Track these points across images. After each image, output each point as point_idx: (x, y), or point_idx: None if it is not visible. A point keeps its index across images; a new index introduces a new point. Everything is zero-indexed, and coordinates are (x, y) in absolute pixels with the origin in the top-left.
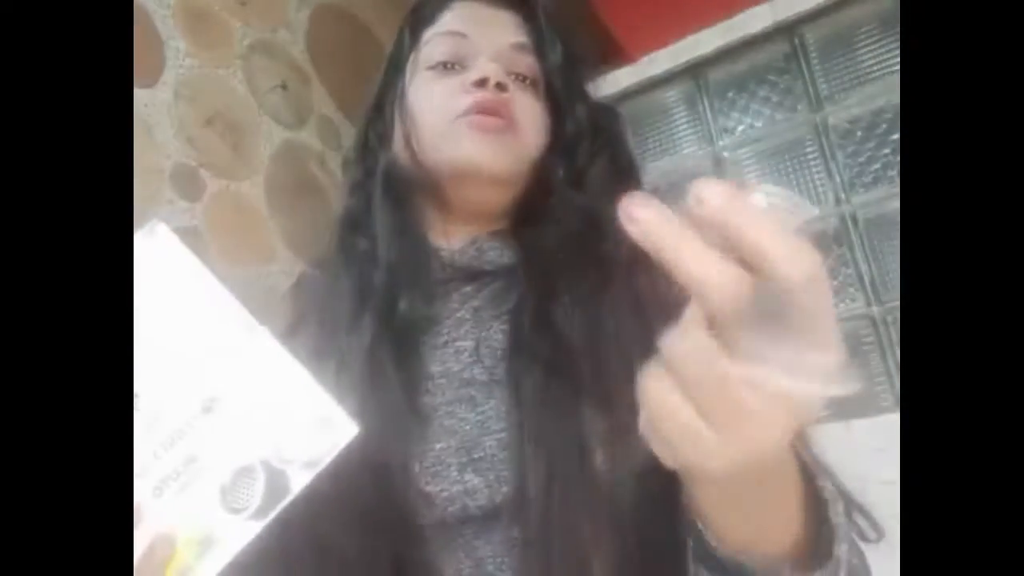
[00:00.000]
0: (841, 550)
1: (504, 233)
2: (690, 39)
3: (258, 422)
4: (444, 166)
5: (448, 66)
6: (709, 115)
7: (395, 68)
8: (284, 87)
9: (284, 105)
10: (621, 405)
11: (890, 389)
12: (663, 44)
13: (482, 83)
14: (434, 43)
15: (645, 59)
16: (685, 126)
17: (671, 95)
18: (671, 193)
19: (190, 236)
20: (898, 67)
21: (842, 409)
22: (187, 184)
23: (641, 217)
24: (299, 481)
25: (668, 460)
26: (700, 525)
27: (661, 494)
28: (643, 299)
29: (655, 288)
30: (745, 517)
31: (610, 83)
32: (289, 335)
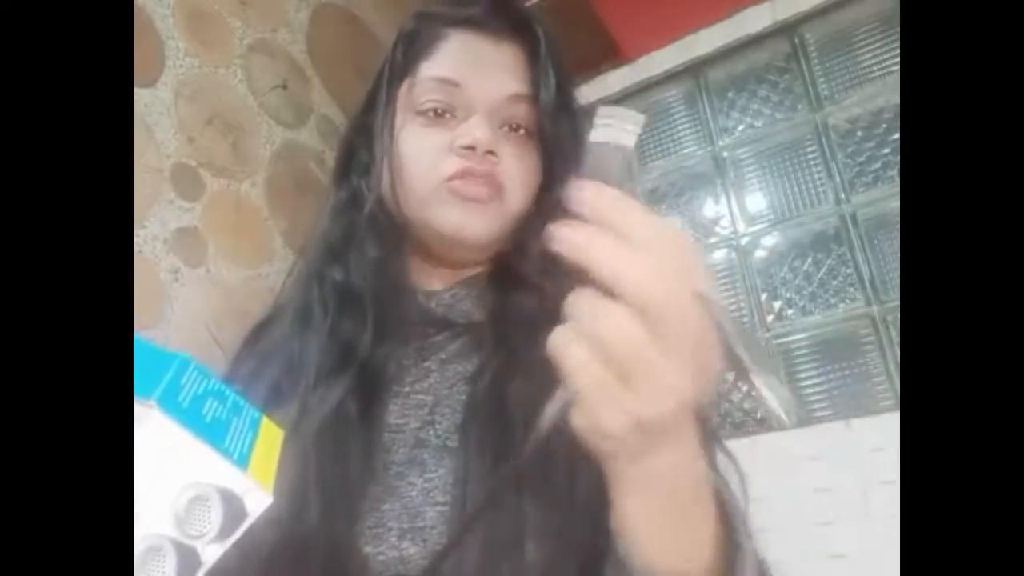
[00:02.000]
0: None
1: (482, 281)
2: (690, 39)
3: (160, 499)
4: (426, 227)
5: (439, 113)
6: (709, 115)
7: (386, 93)
8: (284, 87)
9: (284, 105)
10: (559, 501)
11: (890, 389)
12: (663, 44)
13: (470, 148)
14: (427, 87)
15: (645, 58)
16: (685, 126)
17: (671, 95)
18: (671, 192)
19: (190, 236)
20: (898, 67)
21: (842, 409)
22: (187, 184)
23: (561, 234)
24: (211, 555)
25: (585, 426)
26: (621, 543)
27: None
28: None
29: None
30: (662, 530)
31: (610, 83)
32: (248, 365)
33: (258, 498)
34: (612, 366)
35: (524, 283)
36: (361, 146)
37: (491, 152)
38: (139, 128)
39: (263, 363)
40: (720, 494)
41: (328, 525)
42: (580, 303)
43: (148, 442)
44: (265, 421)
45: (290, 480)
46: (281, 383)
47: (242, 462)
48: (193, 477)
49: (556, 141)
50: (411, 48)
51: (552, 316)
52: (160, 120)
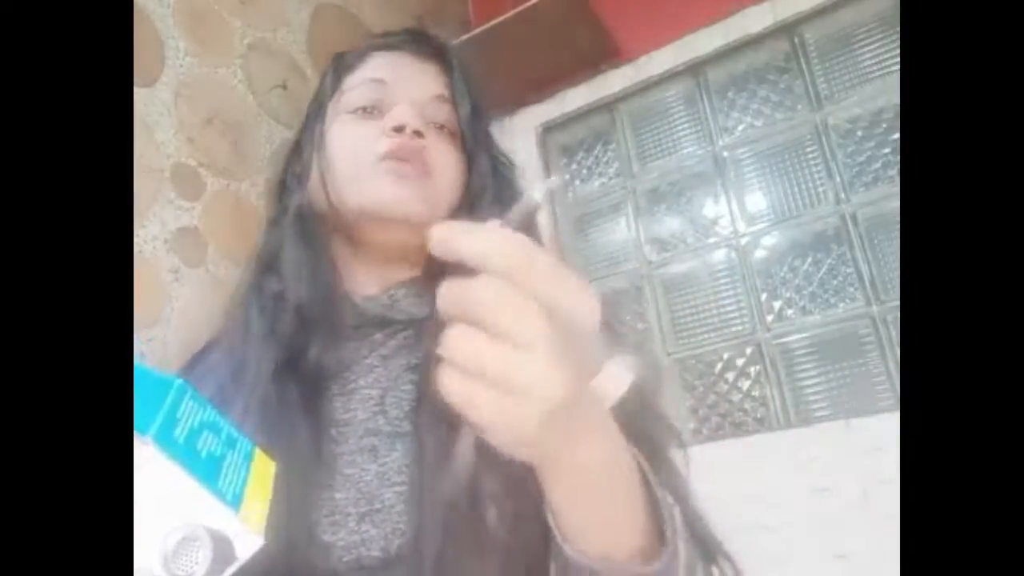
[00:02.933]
0: (668, 558)
1: (418, 282)
2: (690, 38)
3: (149, 536)
4: (358, 208)
5: (367, 110)
6: (709, 114)
7: (317, 111)
8: (284, 87)
9: (284, 105)
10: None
11: (890, 388)
12: (663, 43)
13: (400, 129)
14: (355, 89)
15: (645, 58)
16: (685, 125)
17: (671, 94)
18: (671, 192)
19: (190, 236)
20: (898, 67)
21: (842, 409)
22: (187, 184)
23: (435, 235)
24: None
25: (501, 444)
26: (552, 524)
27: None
28: None
29: None
30: (587, 518)
31: (610, 83)
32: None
33: (249, 541)
34: (493, 384)
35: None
36: (292, 169)
37: (418, 133)
38: (139, 128)
39: (207, 374)
40: (649, 486)
41: (283, 519)
42: (447, 343)
43: (143, 480)
44: (258, 453)
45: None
46: (225, 391)
47: (235, 502)
48: (185, 517)
49: (474, 141)
50: (340, 69)
51: None
52: (160, 120)
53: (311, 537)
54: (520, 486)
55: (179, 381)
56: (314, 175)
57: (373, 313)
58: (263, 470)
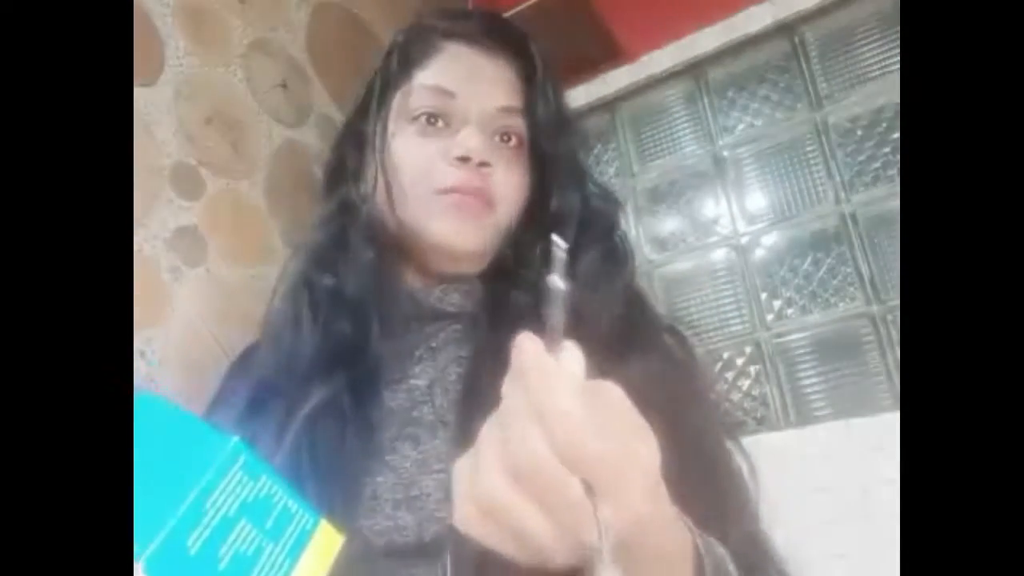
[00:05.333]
0: None
1: (469, 279)
2: (690, 38)
3: None
4: (419, 235)
5: (432, 120)
6: (709, 114)
7: (380, 101)
8: (284, 86)
9: (284, 104)
10: None
11: (890, 388)
12: (663, 43)
13: (465, 159)
14: (421, 95)
15: (645, 58)
16: (685, 125)
17: (671, 94)
18: (671, 192)
19: (190, 235)
20: (898, 66)
21: (842, 408)
22: (187, 183)
23: (521, 349)
24: None
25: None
26: None
27: None
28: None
29: (624, 369)
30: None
31: (610, 82)
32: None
33: None
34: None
35: (522, 283)
36: (350, 154)
37: (484, 163)
38: (139, 127)
39: (250, 372)
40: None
41: (324, 504)
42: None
43: None
44: (322, 528)
45: (283, 465)
46: (267, 382)
47: None
48: None
49: (552, 155)
50: (406, 57)
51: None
52: (160, 119)
53: (347, 520)
54: None
55: (234, 442)
56: (380, 186)
57: (427, 305)
58: (325, 546)
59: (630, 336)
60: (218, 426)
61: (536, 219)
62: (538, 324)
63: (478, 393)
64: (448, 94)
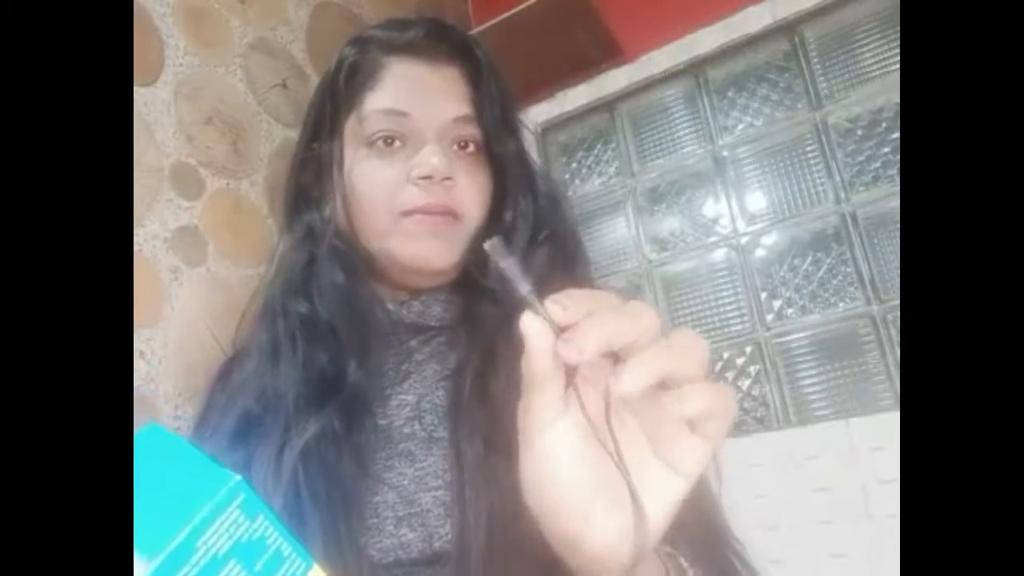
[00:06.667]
0: None
1: (447, 289)
2: (690, 37)
3: None
4: (388, 257)
5: (389, 142)
6: (709, 114)
7: (332, 125)
8: (284, 86)
9: (284, 103)
10: None
11: (890, 388)
12: (663, 43)
13: (427, 178)
14: (375, 119)
15: (645, 57)
16: (685, 125)
17: (671, 94)
18: (671, 191)
19: (190, 235)
20: (898, 66)
21: (842, 408)
22: (187, 183)
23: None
24: None
25: (549, 533)
26: None
27: None
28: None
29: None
30: None
31: (610, 82)
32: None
33: None
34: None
35: (486, 292)
36: (310, 182)
37: (447, 178)
38: (139, 127)
39: (234, 398)
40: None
41: (328, 531)
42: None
43: None
44: (313, 573)
45: (283, 499)
46: (252, 414)
47: None
48: None
49: (504, 157)
50: (352, 79)
51: (512, 318)
52: (160, 119)
53: (350, 541)
54: None
55: (235, 481)
56: (340, 211)
57: (407, 320)
58: None
59: None
60: (212, 457)
61: (494, 225)
62: (507, 332)
63: (465, 417)
64: (401, 115)
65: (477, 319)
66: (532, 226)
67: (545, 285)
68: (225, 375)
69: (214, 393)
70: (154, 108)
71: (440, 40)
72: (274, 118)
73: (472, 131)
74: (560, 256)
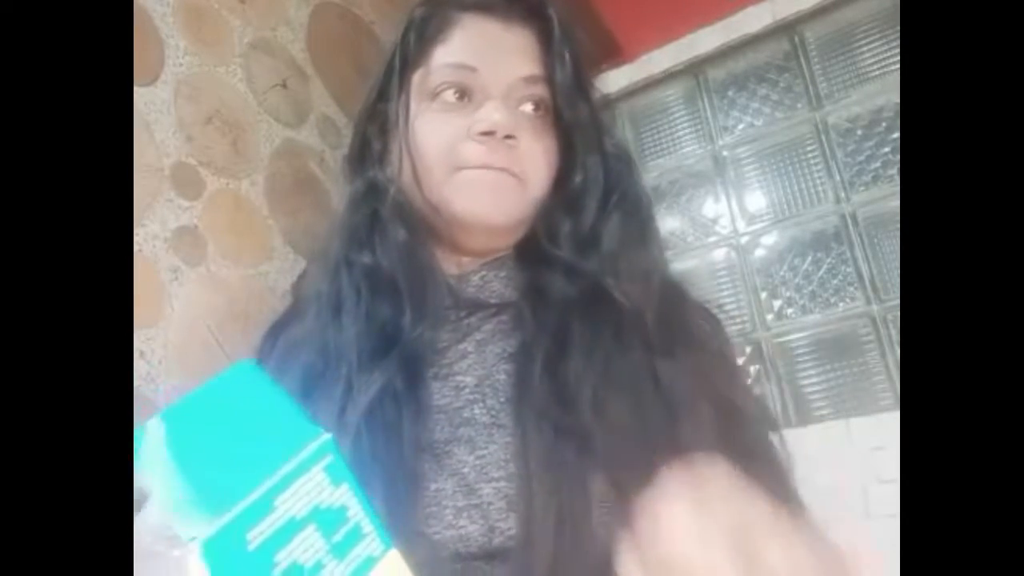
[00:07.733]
0: None
1: (509, 262)
2: (690, 37)
3: None
4: (449, 214)
5: (455, 96)
6: (709, 113)
7: (400, 80)
8: (284, 86)
9: (284, 104)
10: (628, 485)
11: (890, 387)
12: (663, 42)
13: (489, 134)
14: (443, 73)
15: (645, 57)
16: (685, 124)
17: (671, 93)
18: (671, 191)
19: (190, 235)
20: (898, 66)
21: (842, 408)
22: (187, 182)
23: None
24: None
25: None
26: None
27: None
28: (660, 373)
29: (674, 364)
30: None
31: (610, 82)
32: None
33: None
34: None
35: (556, 263)
36: (374, 136)
37: (510, 136)
38: (139, 127)
39: (290, 353)
40: None
41: (389, 506)
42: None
43: None
44: (388, 559)
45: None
46: (315, 370)
47: None
48: None
49: (574, 121)
50: (423, 34)
51: (591, 297)
52: (160, 119)
53: (409, 528)
54: None
55: (325, 439)
56: (405, 165)
57: (466, 296)
58: None
59: (671, 326)
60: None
61: (563, 190)
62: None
63: (532, 402)
64: (469, 69)
65: (544, 295)
66: (603, 189)
67: (618, 262)
68: (274, 335)
69: (263, 352)
70: (154, 108)
71: (513, 0)
72: (274, 118)
73: (541, 92)
74: (634, 224)
